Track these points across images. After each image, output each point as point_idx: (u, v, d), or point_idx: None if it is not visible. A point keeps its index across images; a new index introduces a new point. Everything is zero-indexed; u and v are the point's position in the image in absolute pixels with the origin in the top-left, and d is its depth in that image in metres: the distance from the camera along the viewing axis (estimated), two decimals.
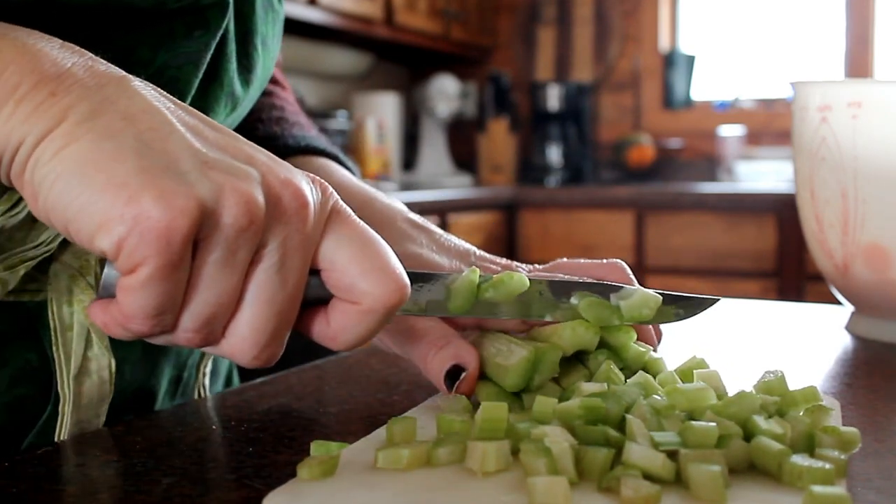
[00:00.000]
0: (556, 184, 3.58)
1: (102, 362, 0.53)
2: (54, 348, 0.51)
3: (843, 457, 0.39)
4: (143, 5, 0.48)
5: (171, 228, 0.34)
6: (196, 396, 0.64)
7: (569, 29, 3.89)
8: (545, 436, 0.39)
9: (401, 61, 3.97)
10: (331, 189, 0.40)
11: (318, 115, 2.90)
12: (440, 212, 2.94)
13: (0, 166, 0.36)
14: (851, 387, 0.56)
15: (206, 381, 0.65)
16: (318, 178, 0.39)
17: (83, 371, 0.52)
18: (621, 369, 0.50)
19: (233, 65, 0.56)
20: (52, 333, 0.51)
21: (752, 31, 3.75)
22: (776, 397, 0.45)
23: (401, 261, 0.41)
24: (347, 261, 0.39)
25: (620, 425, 0.41)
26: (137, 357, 0.57)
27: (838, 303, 0.79)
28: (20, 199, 0.47)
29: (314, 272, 0.40)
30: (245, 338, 0.38)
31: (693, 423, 0.39)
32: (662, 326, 0.56)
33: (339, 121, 2.91)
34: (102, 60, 0.38)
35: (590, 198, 3.26)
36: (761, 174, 3.33)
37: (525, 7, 3.96)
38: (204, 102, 0.55)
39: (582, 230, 3.23)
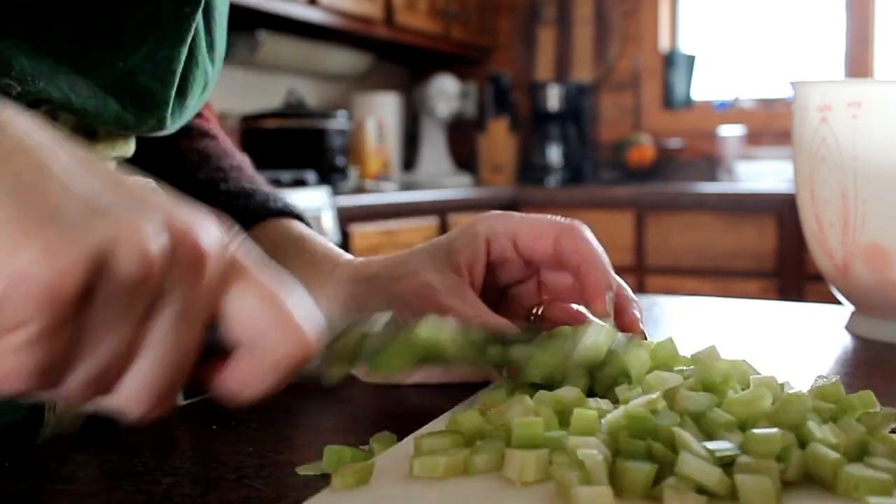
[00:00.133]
0: (556, 184, 3.58)
1: None
2: None
3: None
4: None
5: (58, 287, 0.30)
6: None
7: (569, 29, 3.89)
8: (578, 447, 0.38)
9: (401, 61, 3.97)
10: (231, 236, 0.36)
11: (318, 115, 2.90)
12: (440, 212, 2.94)
13: None
14: (851, 387, 0.56)
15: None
16: (221, 219, 0.36)
17: None
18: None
19: (203, 41, 0.56)
20: None
21: (752, 31, 3.75)
22: (831, 404, 0.43)
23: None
24: (249, 314, 0.36)
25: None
26: None
27: (838, 303, 0.79)
28: None
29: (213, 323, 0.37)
30: (139, 392, 0.35)
31: (755, 430, 0.38)
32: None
33: (339, 121, 2.91)
34: None
35: (590, 198, 3.26)
36: (761, 174, 3.33)
37: (525, 7, 3.96)
38: (183, 82, 0.54)
39: None
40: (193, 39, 0.54)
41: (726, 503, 0.36)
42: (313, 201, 2.31)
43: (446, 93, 3.73)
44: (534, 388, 0.47)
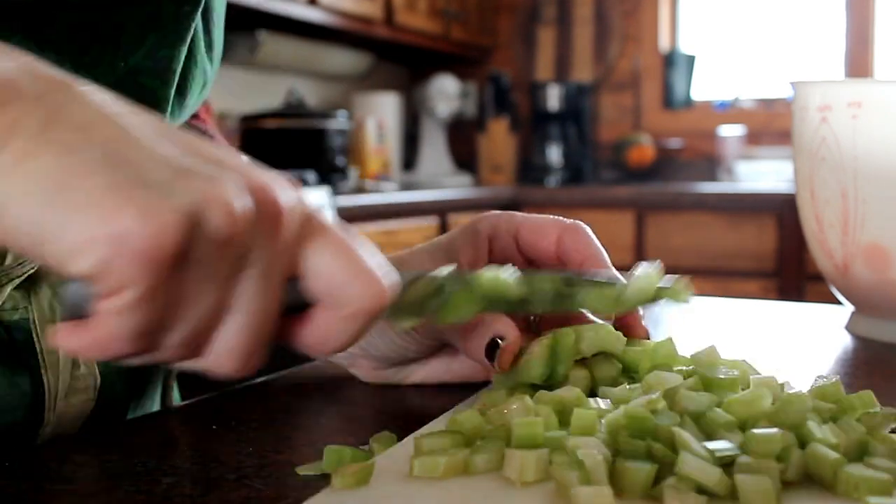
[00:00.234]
0: (556, 184, 3.58)
1: (89, 381, 0.53)
2: (42, 370, 0.51)
3: None
4: None
5: (157, 247, 0.31)
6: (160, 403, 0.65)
7: (569, 29, 3.89)
8: (578, 447, 0.38)
9: (401, 61, 3.97)
10: (303, 193, 0.38)
11: (318, 115, 2.90)
12: (440, 212, 2.94)
13: None
14: (851, 387, 0.56)
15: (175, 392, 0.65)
16: (291, 179, 0.38)
17: (71, 391, 0.52)
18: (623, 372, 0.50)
19: (202, 41, 0.56)
20: (39, 356, 0.51)
21: (752, 31, 3.75)
22: (831, 404, 0.43)
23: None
24: (328, 266, 0.37)
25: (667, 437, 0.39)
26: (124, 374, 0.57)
27: (838, 303, 0.79)
28: None
29: (291, 279, 0.38)
30: (230, 350, 0.36)
31: (755, 430, 0.38)
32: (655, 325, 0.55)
33: (339, 121, 2.91)
34: (41, 62, 0.35)
35: (590, 198, 3.26)
36: (761, 174, 3.33)
37: (525, 7, 3.96)
38: (183, 81, 0.54)
39: None
40: (192, 39, 0.54)
41: (726, 503, 0.36)
42: (313, 201, 2.30)
43: (446, 93, 3.73)
44: (533, 388, 0.47)
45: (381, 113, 3.45)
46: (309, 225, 0.37)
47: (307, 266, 0.37)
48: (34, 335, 0.50)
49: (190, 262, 0.33)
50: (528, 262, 0.58)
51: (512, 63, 3.97)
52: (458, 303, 0.46)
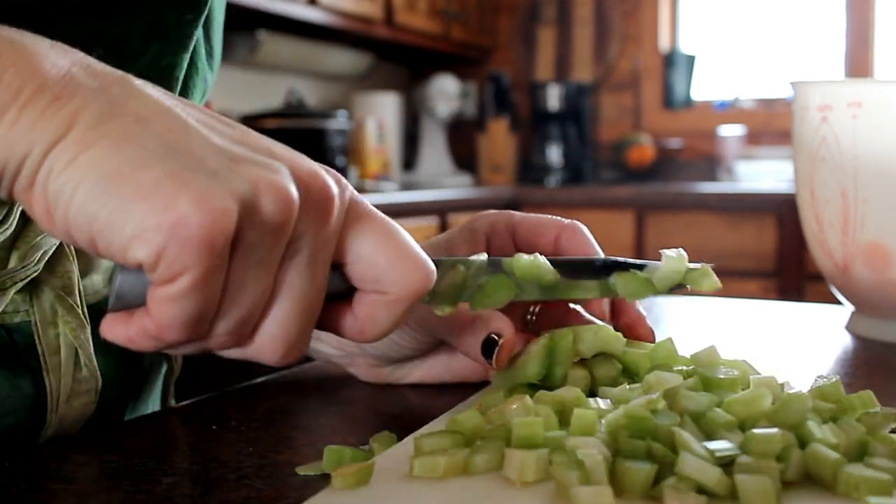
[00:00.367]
0: (556, 184, 3.58)
1: (90, 384, 0.53)
2: (44, 373, 0.51)
3: None
4: None
5: (214, 232, 0.32)
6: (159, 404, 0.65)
7: (569, 29, 3.89)
8: (578, 447, 0.38)
9: (401, 61, 3.97)
10: (345, 180, 0.39)
11: (318, 115, 2.90)
12: (440, 212, 2.94)
13: (2, 181, 0.33)
14: (851, 387, 0.56)
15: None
16: (331, 169, 0.39)
17: (73, 393, 0.52)
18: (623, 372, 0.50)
19: (202, 49, 0.56)
20: (41, 358, 0.51)
21: (752, 31, 3.75)
22: (831, 404, 0.43)
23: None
24: (372, 251, 0.38)
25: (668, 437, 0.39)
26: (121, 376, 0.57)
27: (838, 303, 0.79)
28: (7, 215, 0.47)
29: (333, 266, 0.39)
30: (276, 337, 0.37)
31: (755, 430, 0.38)
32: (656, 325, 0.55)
33: (339, 121, 2.91)
34: (93, 58, 0.36)
35: (590, 198, 3.26)
36: (761, 174, 3.33)
37: (525, 7, 3.96)
38: (184, 89, 0.55)
39: None
40: (194, 47, 0.54)
41: (726, 503, 0.36)
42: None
43: (446, 93, 3.73)
44: (533, 388, 0.47)
45: (381, 113, 3.45)
46: (353, 211, 0.38)
47: (350, 251, 0.38)
48: (36, 338, 0.50)
49: (243, 247, 0.34)
50: None
51: (512, 63, 3.97)
52: (493, 288, 0.46)
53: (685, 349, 0.50)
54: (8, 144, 0.32)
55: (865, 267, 0.70)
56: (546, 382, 0.48)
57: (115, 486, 0.41)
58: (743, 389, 0.45)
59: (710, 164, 3.61)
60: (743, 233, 3.01)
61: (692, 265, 0.50)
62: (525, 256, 0.47)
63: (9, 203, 0.47)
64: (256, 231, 0.34)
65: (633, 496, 0.36)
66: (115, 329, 0.35)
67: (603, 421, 0.40)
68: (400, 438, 0.44)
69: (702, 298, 0.91)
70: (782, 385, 0.47)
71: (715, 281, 0.49)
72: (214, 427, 0.49)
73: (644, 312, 0.56)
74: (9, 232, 0.47)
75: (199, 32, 0.54)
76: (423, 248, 0.57)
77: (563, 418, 0.42)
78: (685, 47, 3.83)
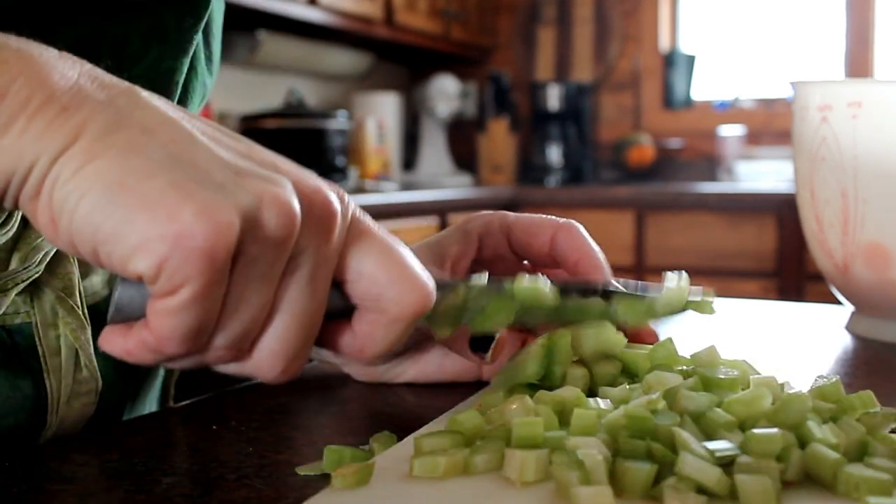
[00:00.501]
0: (556, 184, 3.58)
1: (91, 385, 0.53)
2: (44, 374, 0.51)
3: None
4: None
5: (216, 245, 0.32)
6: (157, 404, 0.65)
7: (569, 29, 3.89)
8: (578, 447, 0.38)
9: (401, 61, 3.97)
10: (349, 198, 0.39)
11: (319, 115, 2.90)
12: (440, 212, 2.94)
13: (8, 189, 0.33)
14: (851, 387, 0.56)
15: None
16: (334, 185, 0.39)
17: (73, 394, 0.52)
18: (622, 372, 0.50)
19: (202, 53, 0.56)
20: (42, 359, 0.51)
21: (752, 31, 3.75)
22: (831, 404, 0.43)
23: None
24: (374, 270, 0.38)
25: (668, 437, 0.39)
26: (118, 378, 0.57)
27: (838, 303, 0.79)
28: (9, 217, 0.47)
29: (334, 284, 0.39)
30: (275, 352, 0.37)
31: (755, 430, 0.38)
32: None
33: (339, 121, 2.91)
34: (101, 70, 0.36)
35: (590, 198, 3.26)
36: (761, 174, 3.33)
37: (525, 7, 3.96)
38: (184, 93, 0.55)
39: None
40: (194, 52, 0.54)
41: (726, 503, 0.36)
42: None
43: (446, 93, 3.73)
44: (532, 388, 0.47)
45: (381, 113, 3.45)
46: (356, 229, 0.38)
47: (351, 269, 0.38)
48: (36, 339, 0.50)
49: (245, 260, 0.34)
50: (521, 261, 0.58)
51: (512, 63, 3.97)
52: (493, 311, 0.46)
53: (685, 349, 0.50)
54: (16, 153, 0.33)
55: (865, 267, 0.70)
56: (545, 382, 0.48)
57: (115, 486, 0.41)
58: (743, 389, 0.45)
59: (710, 164, 3.61)
60: (743, 233, 3.01)
61: (693, 290, 0.50)
62: (526, 279, 0.47)
63: None
64: (258, 245, 0.34)
65: (633, 496, 0.36)
66: (114, 341, 0.35)
67: (603, 421, 0.40)
68: (400, 438, 0.44)
69: None
70: (782, 385, 0.47)
71: (713, 309, 0.50)
72: (214, 427, 0.49)
73: None
74: (10, 233, 0.47)
75: (199, 37, 0.54)
76: (414, 248, 0.57)
77: (563, 418, 0.42)
78: (685, 47, 3.83)
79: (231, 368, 0.38)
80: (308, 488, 0.39)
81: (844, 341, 0.72)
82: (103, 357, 0.54)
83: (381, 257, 0.38)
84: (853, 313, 0.76)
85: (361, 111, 3.43)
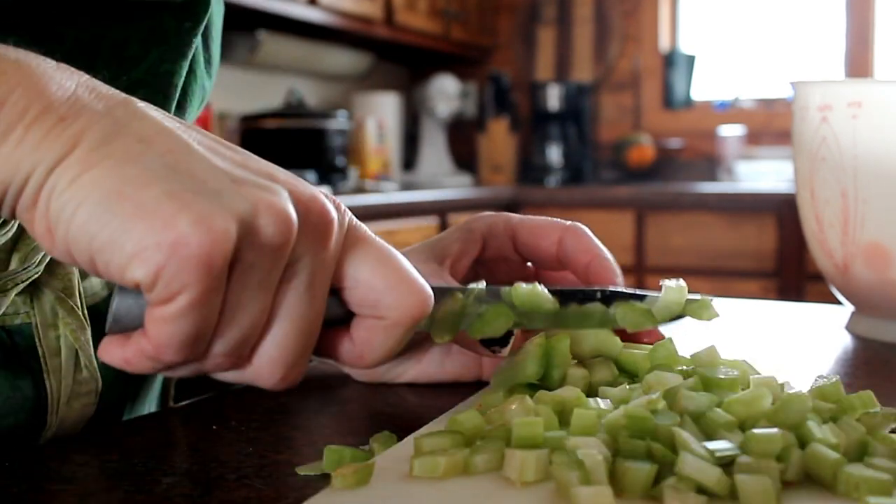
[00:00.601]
0: (556, 184, 3.58)
1: (91, 385, 0.53)
2: (44, 374, 0.51)
3: None
4: None
5: (213, 252, 0.32)
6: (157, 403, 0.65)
7: (569, 29, 3.89)
8: (578, 447, 0.38)
9: (401, 61, 3.97)
10: (345, 206, 0.39)
11: (319, 115, 2.89)
12: (440, 212, 2.94)
13: (5, 199, 0.34)
14: (851, 387, 0.56)
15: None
16: (330, 194, 0.39)
17: (73, 395, 0.52)
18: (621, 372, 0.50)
19: (201, 56, 0.56)
20: (42, 360, 0.51)
21: (752, 31, 3.75)
22: (831, 404, 0.43)
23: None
24: (370, 276, 0.38)
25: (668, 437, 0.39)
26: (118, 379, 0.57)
27: (838, 303, 0.79)
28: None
29: (331, 291, 0.39)
30: (274, 359, 0.37)
31: (755, 430, 0.38)
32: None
33: (339, 121, 2.91)
34: (98, 81, 0.36)
35: (590, 198, 3.26)
36: (761, 174, 3.33)
37: (525, 7, 3.96)
38: (183, 96, 0.55)
39: None
40: (193, 55, 0.54)
41: (726, 503, 0.36)
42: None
43: (446, 93, 3.73)
44: (532, 388, 0.47)
45: (381, 113, 3.45)
46: (352, 236, 0.38)
47: (348, 276, 0.38)
48: (36, 340, 0.50)
49: (242, 268, 0.34)
50: (526, 264, 0.58)
51: (512, 63, 3.97)
52: (492, 317, 0.47)
53: (685, 349, 0.50)
54: (13, 162, 0.33)
55: (865, 267, 0.70)
56: (545, 383, 0.48)
57: (115, 486, 0.41)
58: (743, 389, 0.45)
59: (710, 164, 3.61)
60: (743, 233, 3.01)
61: (692, 296, 0.50)
62: (524, 285, 0.47)
63: None
64: (255, 252, 0.34)
65: (633, 496, 0.36)
66: (112, 351, 0.35)
67: (603, 421, 0.41)
68: (400, 438, 0.44)
69: None
70: (782, 385, 0.47)
71: (715, 312, 0.50)
72: (214, 427, 0.49)
73: None
74: (10, 234, 0.47)
75: (198, 40, 0.54)
76: (416, 247, 0.57)
77: (563, 418, 0.42)
78: (685, 47, 3.83)
79: (230, 376, 0.38)
80: (308, 488, 0.39)
81: (844, 341, 0.72)
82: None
83: (378, 263, 0.38)
84: (853, 313, 0.76)
85: (361, 111, 3.44)
